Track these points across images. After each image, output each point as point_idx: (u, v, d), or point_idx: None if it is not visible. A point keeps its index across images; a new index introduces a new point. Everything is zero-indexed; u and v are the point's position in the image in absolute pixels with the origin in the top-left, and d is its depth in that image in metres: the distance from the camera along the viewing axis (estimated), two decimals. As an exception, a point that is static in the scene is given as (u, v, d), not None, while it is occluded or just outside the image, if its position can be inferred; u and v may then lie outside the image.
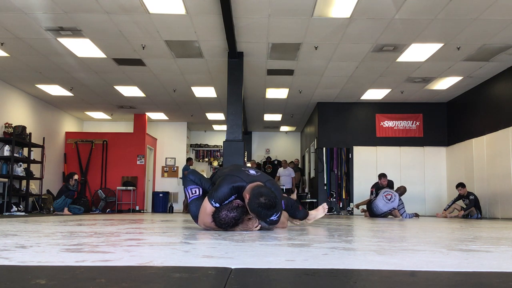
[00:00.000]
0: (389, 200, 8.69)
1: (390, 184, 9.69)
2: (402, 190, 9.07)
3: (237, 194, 3.18)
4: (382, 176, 9.62)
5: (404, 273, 1.30)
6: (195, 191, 3.36)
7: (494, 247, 2.18)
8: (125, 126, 14.96)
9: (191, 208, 3.35)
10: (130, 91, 11.16)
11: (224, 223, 3.04)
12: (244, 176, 3.24)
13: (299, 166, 15.34)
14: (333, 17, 6.75)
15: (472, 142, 10.51)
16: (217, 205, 3.09)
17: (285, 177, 13.35)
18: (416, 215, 9.17)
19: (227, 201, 3.13)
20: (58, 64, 8.99)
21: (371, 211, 8.92)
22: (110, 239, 2.39)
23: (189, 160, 13.86)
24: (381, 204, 8.73)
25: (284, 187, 12.37)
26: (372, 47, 7.99)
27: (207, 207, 3.12)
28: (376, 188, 9.54)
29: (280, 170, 13.71)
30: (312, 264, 1.44)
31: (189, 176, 3.46)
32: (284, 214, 3.71)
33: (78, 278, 1.15)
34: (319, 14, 6.63)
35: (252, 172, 3.35)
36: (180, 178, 14.33)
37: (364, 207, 9.72)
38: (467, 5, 6.28)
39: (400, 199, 8.78)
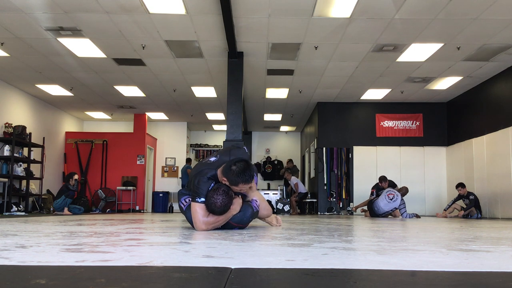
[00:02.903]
0: (391, 199, 8.69)
1: (391, 185, 9.67)
2: (404, 191, 9.11)
3: (214, 182, 3.23)
4: (382, 179, 9.57)
5: (404, 273, 1.30)
6: (188, 200, 3.41)
7: (494, 247, 2.18)
8: (125, 126, 14.96)
9: (188, 215, 3.37)
10: (130, 91, 11.16)
11: (221, 204, 3.07)
12: (209, 166, 3.30)
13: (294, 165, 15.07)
14: (333, 17, 6.75)
15: (472, 142, 10.51)
16: (203, 199, 3.13)
17: (300, 183, 13.08)
18: (417, 216, 9.17)
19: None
20: (58, 64, 8.99)
21: (372, 211, 8.92)
22: (110, 239, 2.39)
23: (188, 160, 13.89)
24: (383, 203, 8.73)
25: (303, 192, 12.35)
26: (372, 47, 7.99)
27: (196, 207, 3.15)
28: (377, 189, 9.54)
29: (293, 179, 13.28)
30: (312, 264, 1.44)
31: (181, 191, 3.56)
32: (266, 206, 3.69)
33: (78, 278, 1.15)
34: (319, 14, 6.63)
35: (211, 159, 3.41)
36: (179, 178, 14.32)
37: (365, 207, 9.72)
38: (467, 5, 6.28)
39: (402, 199, 8.79)
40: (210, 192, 3.12)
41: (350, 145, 12.11)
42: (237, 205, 3.24)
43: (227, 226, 3.29)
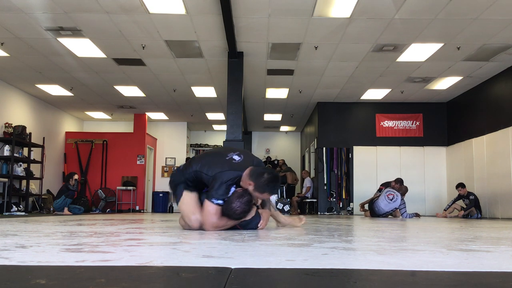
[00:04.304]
0: (391, 200, 8.67)
1: (386, 185, 9.53)
2: (404, 190, 9.06)
3: (235, 185, 3.16)
4: (399, 181, 9.25)
5: (404, 273, 1.30)
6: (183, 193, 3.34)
7: (494, 247, 2.18)
8: (125, 126, 14.96)
9: (183, 209, 3.34)
10: (130, 91, 11.16)
11: (241, 212, 3.06)
12: (232, 166, 3.20)
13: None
14: (333, 17, 6.75)
15: (472, 142, 10.51)
16: (221, 202, 3.06)
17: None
18: (417, 215, 9.16)
19: (230, 194, 3.11)
20: (58, 64, 8.99)
21: (373, 211, 8.91)
22: (110, 239, 2.39)
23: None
24: (383, 204, 8.72)
25: (307, 196, 12.41)
26: (372, 47, 7.98)
27: (210, 208, 3.07)
28: (386, 187, 9.35)
29: (307, 181, 13.25)
30: (312, 264, 1.44)
31: (178, 179, 3.39)
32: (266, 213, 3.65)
33: (78, 278, 1.15)
34: (319, 14, 6.63)
35: (236, 157, 3.28)
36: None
37: (366, 206, 9.69)
38: (467, 5, 6.28)
39: (402, 199, 8.77)
40: (233, 198, 3.06)
41: (350, 145, 12.11)
42: (252, 212, 3.23)
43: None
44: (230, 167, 3.18)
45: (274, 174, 3.17)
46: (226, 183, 3.09)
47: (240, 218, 3.13)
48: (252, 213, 3.24)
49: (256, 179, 3.08)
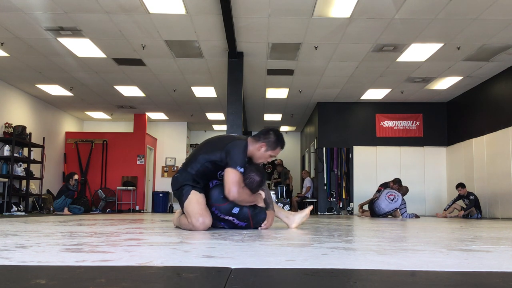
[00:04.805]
0: (392, 200, 8.67)
1: (385, 186, 9.53)
2: (404, 190, 9.07)
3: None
4: (397, 181, 9.25)
5: (404, 273, 1.30)
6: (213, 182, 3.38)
7: (494, 247, 2.18)
8: (125, 126, 14.96)
9: (214, 194, 3.30)
10: (130, 91, 11.16)
11: (257, 181, 3.24)
12: (235, 138, 3.43)
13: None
14: (333, 17, 6.75)
15: (472, 142, 10.51)
16: (242, 169, 3.19)
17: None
18: (416, 216, 9.16)
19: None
20: (58, 64, 8.99)
21: (373, 211, 8.90)
22: (110, 239, 2.39)
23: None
24: (384, 204, 8.72)
25: (307, 196, 12.44)
26: (372, 47, 7.98)
27: (234, 175, 3.13)
28: (385, 188, 9.37)
29: (307, 181, 13.26)
30: (312, 264, 1.44)
31: (186, 178, 3.38)
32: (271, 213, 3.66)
33: (78, 278, 1.15)
34: (319, 14, 6.63)
35: (233, 135, 3.57)
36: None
37: (365, 206, 9.69)
38: (467, 5, 6.28)
39: (402, 199, 8.78)
40: (249, 169, 3.23)
41: (350, 145, 12.11)
42: (261, 197, 3.37)
43: (233, 226, 3.33)
44: (237, 138, 3.39)
45: (276, 129, 3.45)
46: (243, 151, 3.24)
47: (257, 190, 3.27)
48: (261, 198, 3.38)
49: (266, 139, 3.34)
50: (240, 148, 3.21)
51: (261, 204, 3.35)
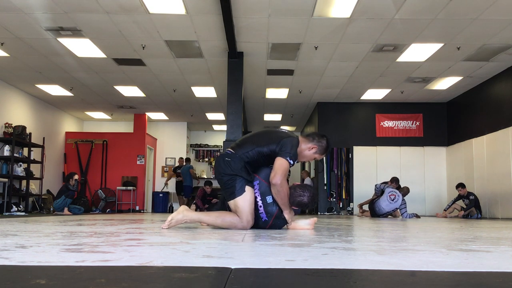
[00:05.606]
0: (393, 200, 8.69)
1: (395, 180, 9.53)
2: (405, 191, 9.10)
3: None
4: (394, 180, 9.33)
5: (404, 273, 1.30)
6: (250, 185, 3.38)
7: (494, 247, 2.18)
8: (125, 126, 14.96)
9: (266, 171, 3.37)
10: (130, 91, 11.16)
11: (307, 202, 3.34)
12: (288, 133, 3.52)
13: None
14: (333, 17, 6.75)
15: (472, 142, 10.51)
16: (292, 162, 3.27)
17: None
18: (417, 216, 9.16)
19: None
20: (58, 64, 9.00)
21: (373, 211, 8.91)
22: (110, 239, 2.39)
23: (187, 160, 13.89)
24: (385, 204, 8.72)
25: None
26: (372, 47, 7.99)
27: (284, 163, 3.22)
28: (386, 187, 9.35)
29: (307, 181, 13.23)
30: (312, 264, 1.44)
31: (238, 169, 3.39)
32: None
33: (78, 278, 1.15)
34: (319, 14, 6.63)
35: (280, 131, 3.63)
36: (177, 178, 14.20)
37: (365, 207, 9.69)
38: (467, 5, 6.28)
39: (403, 200, 8.79)
40: (310, 190, 3.35)
41: (350, 145, 12.11)
42: (292, 212, 3.44)
43: (261, 226, 3.36)
44: (289, 134, 3.48)
45: (329, 137, 3.64)
46: (296, 146, 3.34)
47: (295, 205, 3.35)
48: (292, 213, 3.45)
49: (319, 142, 3.50)
50: (294, 143, 3.35)
51: (287, 215, 3.39)
